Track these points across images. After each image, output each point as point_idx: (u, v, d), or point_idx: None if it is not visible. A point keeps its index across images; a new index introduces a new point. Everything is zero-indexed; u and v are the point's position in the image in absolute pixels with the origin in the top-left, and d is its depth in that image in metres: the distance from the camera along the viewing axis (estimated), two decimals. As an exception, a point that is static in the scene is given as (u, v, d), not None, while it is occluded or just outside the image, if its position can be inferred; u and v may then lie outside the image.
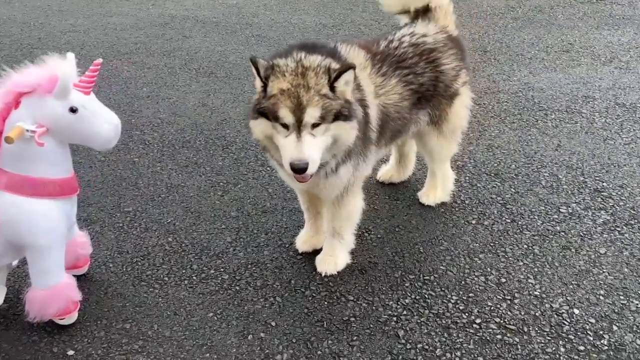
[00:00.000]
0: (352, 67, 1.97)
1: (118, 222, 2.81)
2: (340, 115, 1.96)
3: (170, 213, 2.90)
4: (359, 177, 2.37)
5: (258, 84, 2.02)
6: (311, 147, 1.90)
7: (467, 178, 3.15)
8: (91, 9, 6.50)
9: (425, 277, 2.43)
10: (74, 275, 2.23)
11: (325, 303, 2.30)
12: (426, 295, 2.33)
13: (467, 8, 6.17)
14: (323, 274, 2.45)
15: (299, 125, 1.90)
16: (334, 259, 2.47)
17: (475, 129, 3.65)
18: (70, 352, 2.06)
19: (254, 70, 2.00)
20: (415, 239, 2.68)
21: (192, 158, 3.42)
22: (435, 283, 2.40)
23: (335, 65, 1.99)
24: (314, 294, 2.35)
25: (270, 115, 1.95)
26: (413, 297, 2.32)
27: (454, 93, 2.57)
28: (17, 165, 1.90)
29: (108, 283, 2.40)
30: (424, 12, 2.62)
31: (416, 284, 2.39)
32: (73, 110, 1.87)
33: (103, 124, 1.95)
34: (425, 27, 2.55)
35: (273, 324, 2.20)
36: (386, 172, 3.12)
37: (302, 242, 2.61)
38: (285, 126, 1.92)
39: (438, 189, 2.90)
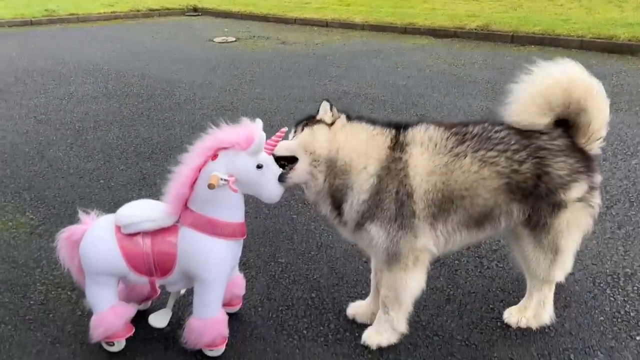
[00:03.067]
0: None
1: (271, 271, 3.05)
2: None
3: (317, 270, 3.07)
4: (405, 248, 2.28)
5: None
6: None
7: (636, 288, 2.84)
8: (276, 81, 7.35)
9: (573, 388, 2.22)
10: (227, 313, 2.46)
11: (457, 391, 2.22)
12: (572, 409, 2.11)
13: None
14: (362, 342, 2.48)
15: None
16: (377, 334, 2.47)
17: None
18: (213, 382, 2.26)
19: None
20: (565, 344, 2.47)
21: (345, 223, 3.60)
22: (584, 397, 2.17)
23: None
24: (446, 379, 2.28)
25: None
26: (556, 407, 2.12)
27: (558, 203, 2.29)
28: (204, 207, 2.23)
29: (254, 325, 2.60)
30: (563, 124, 2.37)
31: (562, 394, 2.19)
32: (259, 166, 2.17)
33: (276, 181, 2.22)
34: (549, 128, 2.33)
35: (400, 400, 2.17)
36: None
37: (353, 307, 2.69)
38: None
39: (529, 311, 2.59)
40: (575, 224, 2.35)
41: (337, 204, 2.32)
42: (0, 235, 3.38)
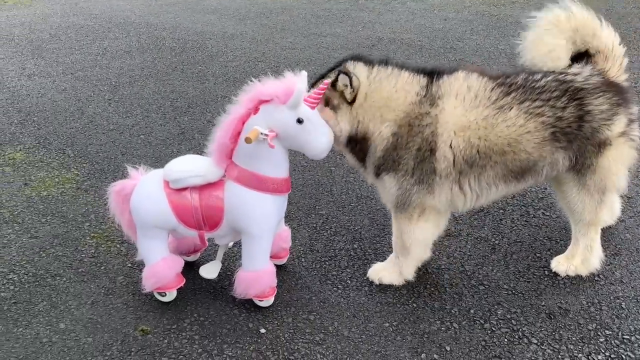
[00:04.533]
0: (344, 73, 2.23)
1: (312, 223, 3.07)
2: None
3: (358, 222, 3.07)
4: (415, 201, 2.32)
5: None
6: None
7: (691, 235, 2.74)
8: (308, 29, 7.18)
9: (624, 336, 2.19)
10: (275, 265, 2.50)
11: (505, 340, 2.22)
12: (623, 356, 2.10)
13: None
14: (367, 276, 2.59)
15: None
16: (383, 270, 2.56)
17: None
18: (263, 331, 2.32)
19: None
20: (617, 293, 2.42)
21: (385, 173, 3.56)
22: (636, 345, 2.14)
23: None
24: (493, 328, 2.28)
25: None
26: (607, 354, 2.11)
27: (603, 141, 2.25)
28: (247, 162, 2.22)
29: (299, 276, 2.64)
30: (584, 57, 2.37)
31: (613, 342, 2.17)
32: (300, 121, 2.12)
33: (320, 136, 2.17)
34: (580, 68, 2.32)
35: (448, 348, 2.19)
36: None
37: None
38: None
39: (576, 259, 2.54)
40: (620, 160, 2.34)
41: (361, 158, 2.38)
42: (49, 191, 3.49)
